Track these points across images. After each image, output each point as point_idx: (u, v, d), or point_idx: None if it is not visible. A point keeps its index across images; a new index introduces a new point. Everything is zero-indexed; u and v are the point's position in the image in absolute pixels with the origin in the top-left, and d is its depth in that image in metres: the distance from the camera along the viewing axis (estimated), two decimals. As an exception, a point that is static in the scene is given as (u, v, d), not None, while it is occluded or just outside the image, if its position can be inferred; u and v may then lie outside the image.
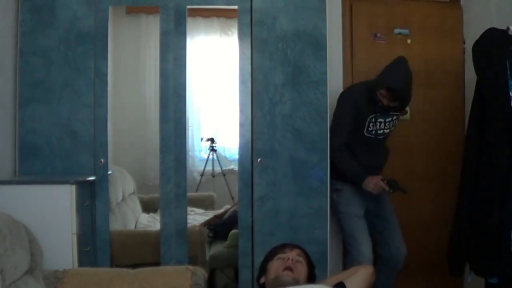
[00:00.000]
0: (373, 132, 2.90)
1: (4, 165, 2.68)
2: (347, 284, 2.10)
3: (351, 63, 3.32)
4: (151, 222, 3.43)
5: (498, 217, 2.26)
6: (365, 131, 2.89)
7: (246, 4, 2.87)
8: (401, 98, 2.81)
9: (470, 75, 2.82)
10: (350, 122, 2.87)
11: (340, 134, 2.87)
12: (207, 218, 3.51)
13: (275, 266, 2.15)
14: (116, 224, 3.09)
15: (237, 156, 2.98)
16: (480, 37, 2.43)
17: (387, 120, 2.90)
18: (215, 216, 3.51)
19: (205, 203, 3.68)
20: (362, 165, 2.86)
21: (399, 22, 3.38)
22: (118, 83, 3.29)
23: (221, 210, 3.59)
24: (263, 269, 2.23)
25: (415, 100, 2.98)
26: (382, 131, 2.93)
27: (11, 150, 2.75)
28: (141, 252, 3.05)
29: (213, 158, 3.64)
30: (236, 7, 2.89)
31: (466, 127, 2.56)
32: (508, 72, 2.41)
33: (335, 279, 2.21)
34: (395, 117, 2.94)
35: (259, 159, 2.86)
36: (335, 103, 3.05)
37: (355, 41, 3.34)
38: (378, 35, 3.33)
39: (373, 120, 2.87)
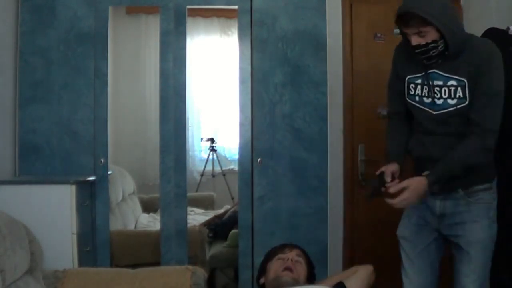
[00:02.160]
0: (417, 98, 2.05)
1: (4, 165, 2.68)
2: (347, 284, 2.10)
3: (351, 63, 3.32)
4: (151, 222, 3.44)
5: (501, 219, 2.25)
6: (406, 96, 2.09)
7: (246, 4, 2.87)
8: (427, 23, 1.87)
9: (470, 75, 2.81)
10: (394, 86, 2.18)
11: (388, 101, 2.24)
12: (207, 218, 3.51)
13: (275, 267, 2.15)
14: (116, 224, 3.09)
15: (237, 156, 2.98)
16: (480, 37, 2.43)
17: (436, 83, 1.98)
18: (215, 216, 3.51)
19: (205, 203, 3.69)
20: (415, 154, 2.11)
21: (399, 22, 3.38)
22: (118, 83, 3.29)
23: (221, 210, 3.59)
24: (262, 270, 2.23)
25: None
26: (430, 99, 2.00)
27: (11, 150, 2.75)
28: (141, 252, 3.05)
29: (213, 158, 3.65)
30: (236, 7, 2.89)
31: (467, 127, 2.55)
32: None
33: (335, 279, 2.21)
34: (453, 82, 1.95)
35: (259, 159, 2.86)
36: (335, 103, 3.06)
37: (355, 41, 3.33)
38: (378, 35, 3.32)
39: (415, 81, 2.05)
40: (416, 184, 1.92)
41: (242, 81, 2.88)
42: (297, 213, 2.87)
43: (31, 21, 2.77)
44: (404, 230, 2.20)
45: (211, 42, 3.62)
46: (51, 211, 2.36)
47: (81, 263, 2.44)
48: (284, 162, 2.88)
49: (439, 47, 1.91)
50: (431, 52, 1.92)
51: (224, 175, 3.63)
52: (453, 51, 1.91)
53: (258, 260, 2.79)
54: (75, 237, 2.40)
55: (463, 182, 2.00)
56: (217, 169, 3.65)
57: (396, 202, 1.92)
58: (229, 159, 3.68)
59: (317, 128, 2.89)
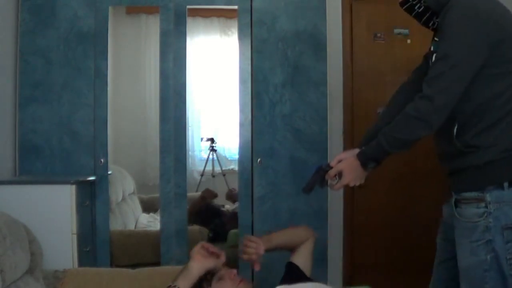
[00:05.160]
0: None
1: (4, 165, 2.68)
2: (294, 260, 2.01)
3: (351, 63, 3.32)
4: (151, 222, 3.43)
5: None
6: None
7: (246, 4, 2.87)
8: None
9: (470, 75, 2.81)
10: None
11: None
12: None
13: (227, 286, 1.84)
14: (116, 224, 3.09)
15: (237, 156, 2.98)
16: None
17: (433, 49, 1.71)
18: (193, 204, 3.44)
19: (205, 203, 3.67)
20: None
21: (399, 22, 3.37)
22: (118, 83, 3.29)
23: (197, 195, 3.54)
24: None
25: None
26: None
27: (11, 150, 2.75)
28: (141, 252, 3.05)
29: (213, 158, 3.64)
30: (236, 7, 2.89)
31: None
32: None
33: (277, 237, 2.03)
34: (434, 47, 1.70)
35: (259, 159, 2.86)
36: (335, 103, 3.05)
37: (355, 41, 3.33)
38: (378, 35, 3.32)
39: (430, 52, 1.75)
40: (349, 165, 1.76)
41: (242, 81, 2.89)
42: (297, 213, 2.87)
43: (31, 21, 2.77)
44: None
45: (211, 42, 3.61)
46: (51, 211, 2.36)
47: (81, 263, 2.44)
48: (284, 162, 2.88)
49: (422, 2, 1.70)
50: (416, 8, 1.74)
51: (224, 175, 3.63)
52: (434, 6, 1.67)
53: (258, 260, 2.79)
54: (75, 237, 2.40)
55: (455, 181, 1.67)
56: (217, 169, 3.64)
57: (336, 187, 1.80)
58: (229, 159, 3.68)
59: (317, 128, 2.89)
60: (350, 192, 3.28)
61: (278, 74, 2.88)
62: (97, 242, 2.77)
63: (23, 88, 2.77)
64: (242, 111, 2.89)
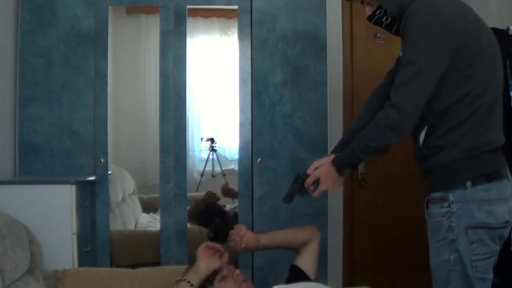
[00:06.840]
0: None
1: (4, 165, 2.68)
2: (299, 264, 2.02)
3: (351, 63, 3.32)
4: (151, 222, 3.43)
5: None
6: None
7: (246, 4, 2.87)
8: None
9: (470, 75, 2.81)
10: None
11: None
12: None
13: (230, 286, 1.85)
14: (116, 224, 3.09)
15: (237, 156, 2.98)
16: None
17: (401, 54, 1.79)
18: (196, 202, 3.45)
19: (205, 203, 3.67)
20: None
21: (399, 22, 3.38)
22: (118, 83, 3.29)
23: (202, 193, 3.56)
24: None
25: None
26: None
27: (11, 150, 2.75)
28: (141, 252, 3.05)
29: (213, 158, 3.64)
30: (236, 7, 2.89)
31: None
32: (508, 72, 2.41)
33: (282, 235, 2.06)
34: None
35: (259, 159, 2.86)
36: (335, 103, 3.04)
37: (355, 41, 3.34)
38: (378, 34, 3.32)
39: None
40: (325, 172, 1.82)
41: (242, 81, 2.89)
42: (297, 214, 2.86)
43: (31, 21, 2.77)
44: None
45: (211, 42, 3.61)
46: (51, 211, 2.36)
47: (81, 263, 2.44)
48: (284, 162, 2.88)
49: (388, 13, 1.73)
50: (383, 20, 1.76)
51: (224, 175, 3.63)
52: (397, 13, 1.69)
53: (258, 260, 2.79)
54: (75, 237, 2.40)
55: (426, 182, 1.73)
56: (217, 169, 3.64)
57: (315, 194, 1.88)
58: (229, 159, 3.67)
59: (317, 128, 2.89)
60: (350, 193, 3.29)
61: (278, 74, 2.88)
62: (97, 242, 2.77)
63: (23, 88, 2.77)
64: (242, 111, 2.89)
